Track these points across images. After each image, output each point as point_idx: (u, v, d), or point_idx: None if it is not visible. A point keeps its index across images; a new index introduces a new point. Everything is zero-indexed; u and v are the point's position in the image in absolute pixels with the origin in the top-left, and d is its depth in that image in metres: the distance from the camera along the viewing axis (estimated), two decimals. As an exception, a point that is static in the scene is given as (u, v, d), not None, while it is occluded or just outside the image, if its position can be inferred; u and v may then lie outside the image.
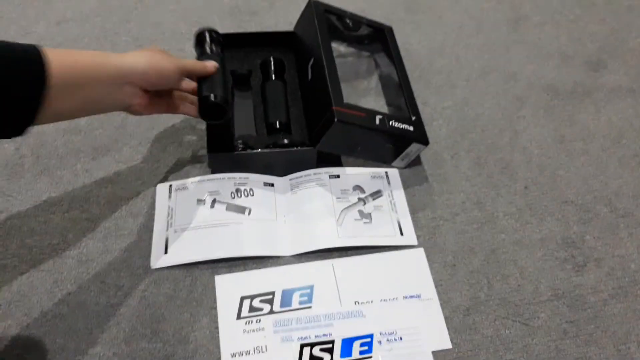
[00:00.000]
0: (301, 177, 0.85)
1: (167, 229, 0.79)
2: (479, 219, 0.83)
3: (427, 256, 0.78)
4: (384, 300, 0.73)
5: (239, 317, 0.71)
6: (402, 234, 0.80)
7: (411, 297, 0.74)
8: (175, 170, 0.87)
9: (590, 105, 1.00)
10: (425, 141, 0.83)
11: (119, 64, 0.64)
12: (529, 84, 1.03)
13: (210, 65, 0.73)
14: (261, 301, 0.73)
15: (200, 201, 0.81)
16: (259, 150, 0.82)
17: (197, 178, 0.84)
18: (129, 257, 0.77)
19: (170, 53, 0.72)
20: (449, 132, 0.94)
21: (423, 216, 0.83)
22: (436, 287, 0.75)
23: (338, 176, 0.85)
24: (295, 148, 0.82)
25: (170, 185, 0.84)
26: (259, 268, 0.76)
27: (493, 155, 0.91)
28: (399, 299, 0.73)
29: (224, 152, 0.81)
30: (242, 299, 0.73)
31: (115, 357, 0.68)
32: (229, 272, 0.76)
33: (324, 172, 0.85)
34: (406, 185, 0.86)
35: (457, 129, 0.95)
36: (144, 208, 0.82)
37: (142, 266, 0.76)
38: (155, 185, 0.84)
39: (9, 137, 0.54)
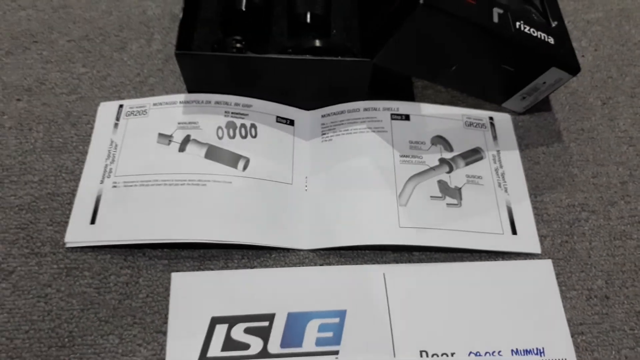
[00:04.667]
0: (342, 112, 0.52)
1: (102, 180, 0.48)
2: (654, 216, 0.49)
3: (559, 275, 0.46)
4: (476, 354, 0.42)
5: (204, 356, 0.41)
6: (514, 231, 0.47)
7: (527, 352, 0.42)
8: (135, 80, 0.56)
9: None
10: (573, 67, 0.49)
11: None
12: None
13: None
14: (248, 331, 0.42)
15: (164, 137, 0.50)
16: (272, 55, 0.49)
17: (165, 97, 0.52)
18: (30, 222, 0.47)
19: None
20: (597, 62, 0.59)
21: (552, 202, 0.50)
22: (574, 336, 0.43)
23: (407, 117, 0.52)
24: (335, 58, 0.48)
25: (121, 106, 0.53)
26: (252, 266, 0.46)
27: (675, 107, 0.56)
28: (504, 354, 0.42)
29: (206, 53, 0.49)
30: (215, 322, 0.43)
31: (-29, 407, 0.40)
32: (199, 267, 0.45)
33: (383, 107, 0.52)
34: (524, 144, 0.53)
35: (612, 57, 0.60)
36: (72, 140, 0.52)
37: (51, 241, 0.47)
38: (98, 103, 0.54)
39: None
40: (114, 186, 0.48)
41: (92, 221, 0.47)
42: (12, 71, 0.57)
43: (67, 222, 0.47)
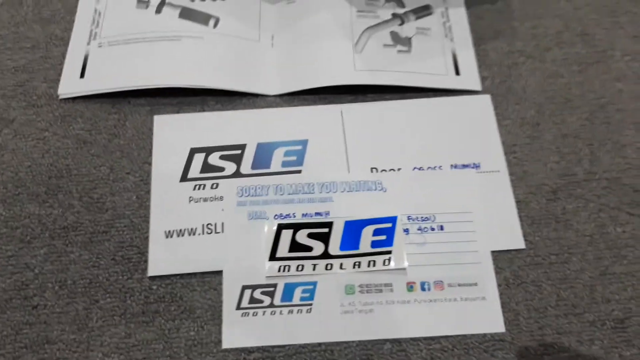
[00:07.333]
0: (303, -23, 0.56)
1: (89, 42, 0.53)
2: (584, 58, 0.54)
3: (496, 108, 0.51)
4: (419, 168, 0.47)
5: (185, 178, 0.47)
6: (457, 72, 0.52)
7: (465, 166, 0.47)
8: (111, -41, 0.59)
9: None
10: None
11: None
12: None
13: None
14: (223, 157, 0.48)
15: (142, 3, 0.54)
16: None
17: (141, -31, 0.56)
18: (27, 81, 0.52)
19: None
20: None
21: (493, 49, 0.54)
22: (506, 154, 0.48)
23: (362, -22, 0.56)
24: None
25: (101, -19, 0.56)
26: (225, 109, 0.51)
27: (611, -32, 0.60)
28: (444, 168, 0.47)
29: None
30: (193, 151, 0.48)
31: (-14, 223, 0.45)
32: (177, 111, 0.50)
33: (340, -30, 0.56)
34: (470, 2, 0.57)
35: None
36: (59, 12, 0.56)
37: (46, 94, 0.51)
38: (80, -20, 0.57)
39: None
40: (100, 46, 0.53)
41: (82, 75, 0.51)
42: (-1, -43, 0.60)
43: (59, 79, 0.52)
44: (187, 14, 0.53)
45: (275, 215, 0.45)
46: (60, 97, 0.51)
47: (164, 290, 0.43)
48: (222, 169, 0.47)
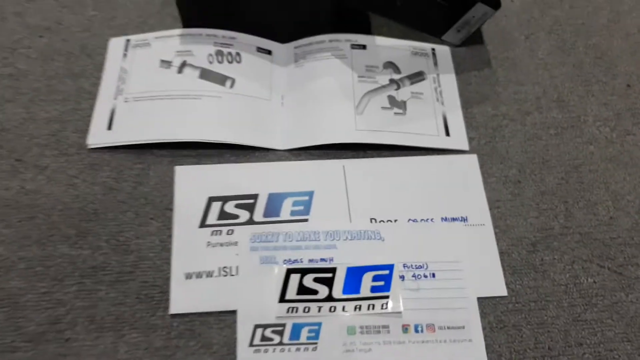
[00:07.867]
0: (311, 44, 0.62)
1: (116, 97, 0.58)
2: (560, 122, 0.60)
3: (482, 166, 0.56)
4: (414, 220, 0.52)
5: (203, 224, 0.51)
6: (447, 133, 0.58)
7: (454, 219, 0.53)
8: (137, 21, 0.65)
9: None
10: (496, 3, 0.59)
11: None
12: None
13: None
14: (238, 206, 0.53)
15: (165, 63, 0.59)
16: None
17: (164, 32, 0.62)
18: (58, 131, 0.57)
19: None
20: (523, 5, 0.70)
21: (480, 112, 0.60)
22: (491, 209, 0.54)
23: (364, 47, 0.62)
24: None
25: (128, 40, 0.62)
26: (240, 162, 0.56)
27: (584, 40, 0.67)
28: (435, 220, 0.53)
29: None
30: (211, 200, 0.53)
31: (21, 262, 0.50)
32: (196, 163, 0.55)
33: (345, 39, 0.62)
34: (460, 70, 0.63)
35: (536, 1, 0.70)
36: (88, 68, 0.61)
37: (76, 144, 0.56)
38: (108, 39, 0.63)
39: None
40: (126, 101, 0.58)
41: (109, 127, 0.56)
42: (33, 14, 0.65)
43: (88, 130, 0.57)
44: (206, 74, 0.59)
45: (285, 260, 0.50)
46: (89, 147, 0.56)
47: (184, 327, 0.47)
48: (237, 217, 0.52)
